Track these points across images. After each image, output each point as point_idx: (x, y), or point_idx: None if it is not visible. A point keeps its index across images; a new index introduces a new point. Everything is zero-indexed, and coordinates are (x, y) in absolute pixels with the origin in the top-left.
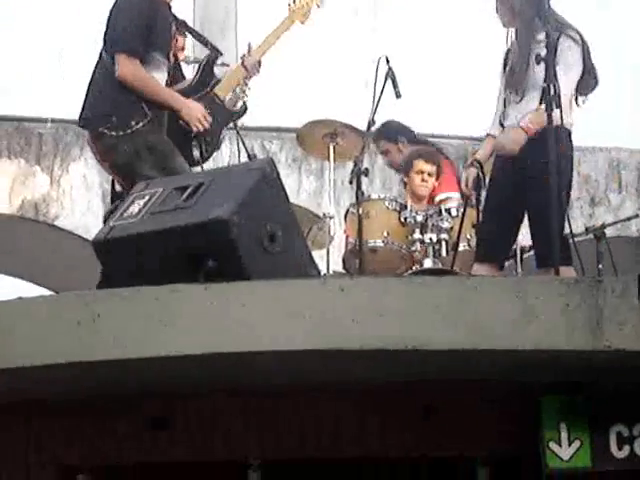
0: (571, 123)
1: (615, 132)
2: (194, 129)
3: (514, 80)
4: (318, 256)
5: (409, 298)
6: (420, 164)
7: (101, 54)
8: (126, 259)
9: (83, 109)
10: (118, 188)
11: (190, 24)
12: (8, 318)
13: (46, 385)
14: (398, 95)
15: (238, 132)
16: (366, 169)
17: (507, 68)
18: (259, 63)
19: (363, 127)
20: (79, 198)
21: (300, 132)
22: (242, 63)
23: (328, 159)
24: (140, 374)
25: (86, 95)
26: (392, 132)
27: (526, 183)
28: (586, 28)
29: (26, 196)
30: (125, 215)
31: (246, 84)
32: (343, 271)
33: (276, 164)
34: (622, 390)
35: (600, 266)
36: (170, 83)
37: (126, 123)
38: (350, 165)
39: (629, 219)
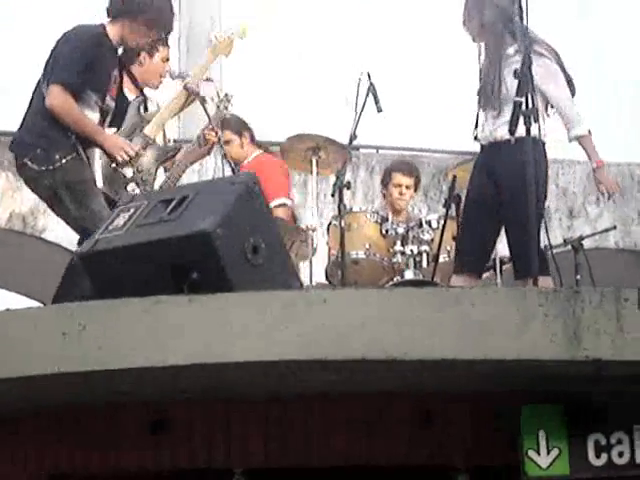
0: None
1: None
2: (119, 159)
3: (486, 94)
4: (302, 268)
5: (391, 309)
6: (398, 177)
7: (39, 81)
8: (111, 271)
9: (17, 131)
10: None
11: (175, 35)
12: None
13: (32, 395)
14: (379, 110)
15: (222, 146)
16: (348, 182)
17: (480, 83)
18: (198, 85)
19: (345, 141)
20: None
21: (283, 146)
22: (184, 87)
23: (311, 173)
24: (125, 385)
25: (23, 118)
26: (238, 125)
27: (502, 195)
28: (567, 38)
29: (14, 209)
30: (110, 228)
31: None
32: (326, 282)
33: None
34: (599, 399)
35: (578, 277)
36: (113, 118)
37: (50, 157)
38: (332, 178)
39: (607, 231)
